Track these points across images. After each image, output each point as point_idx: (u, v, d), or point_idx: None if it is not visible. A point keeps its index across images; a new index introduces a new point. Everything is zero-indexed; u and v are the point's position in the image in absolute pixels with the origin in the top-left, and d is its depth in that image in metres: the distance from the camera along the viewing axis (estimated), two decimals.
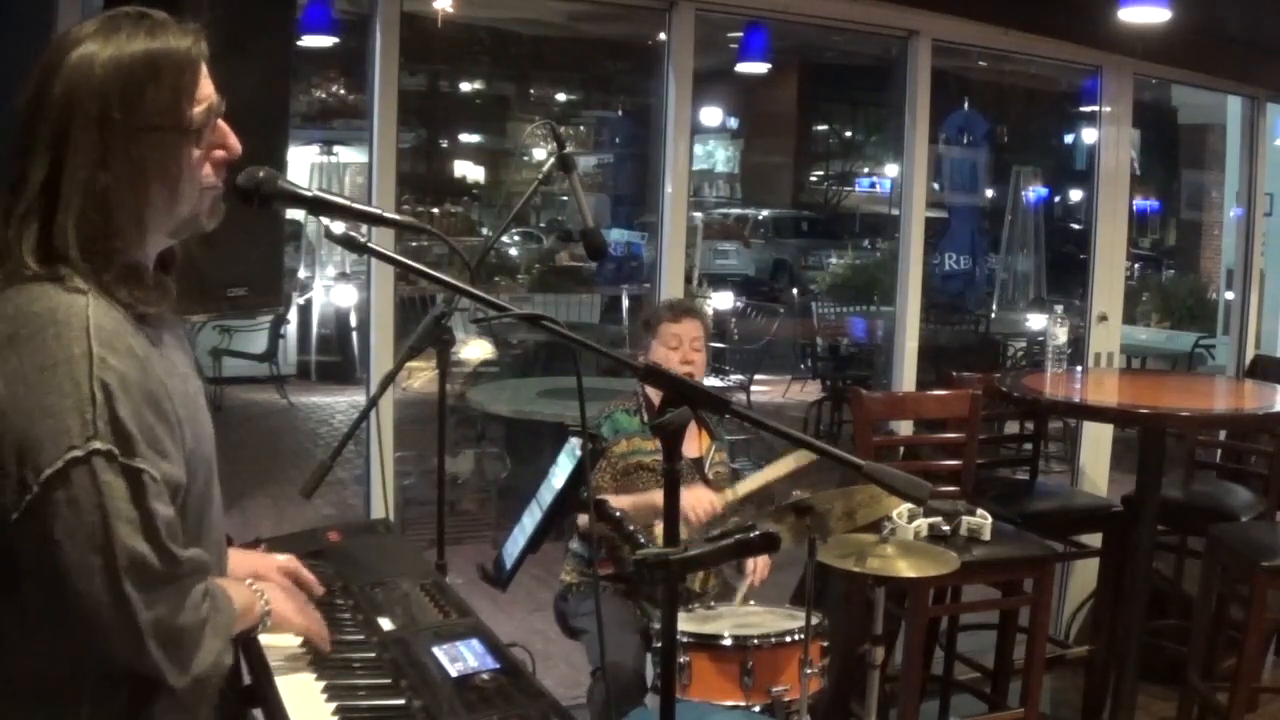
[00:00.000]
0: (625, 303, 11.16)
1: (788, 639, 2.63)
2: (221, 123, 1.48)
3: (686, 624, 2.67)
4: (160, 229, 1.45)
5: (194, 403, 1.49)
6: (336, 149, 12.23)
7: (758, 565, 3.06)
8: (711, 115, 18.76)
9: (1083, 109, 11.97)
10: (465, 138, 19.33)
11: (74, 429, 1.27)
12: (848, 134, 22.14)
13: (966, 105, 13.69)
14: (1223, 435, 4.59)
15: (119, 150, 1.36)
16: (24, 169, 1.36)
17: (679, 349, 3.13)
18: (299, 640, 1.81)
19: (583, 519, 3.05)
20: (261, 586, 1.67)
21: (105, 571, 1.28)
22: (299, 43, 4.46)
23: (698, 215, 15.64)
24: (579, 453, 2.09)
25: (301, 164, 11.76)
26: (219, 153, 1.48)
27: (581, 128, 19.18)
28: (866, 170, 21.12)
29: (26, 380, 1.29)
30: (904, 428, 4.25)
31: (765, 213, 18.43)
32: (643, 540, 2.23)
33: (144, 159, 1.38)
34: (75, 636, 1.34)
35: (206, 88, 1.45)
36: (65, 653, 1.36)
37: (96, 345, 1.30)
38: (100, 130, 1.34)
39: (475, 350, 7.89)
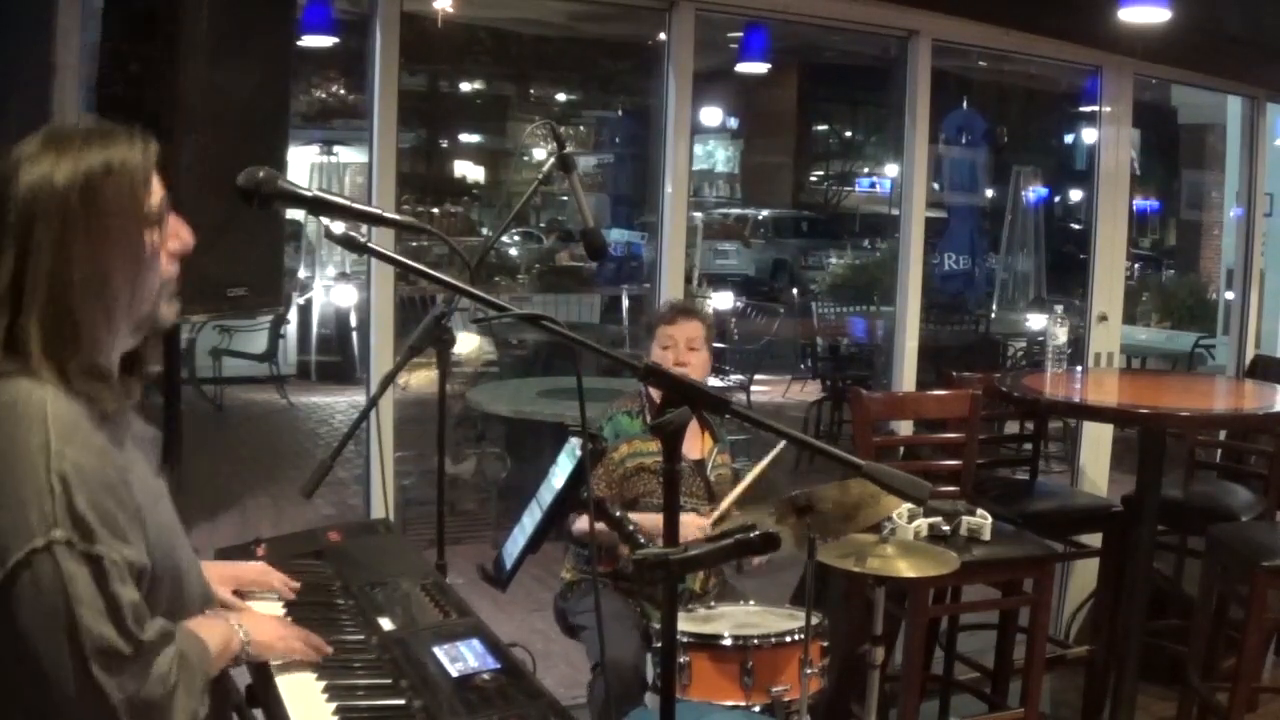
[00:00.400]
0: (625, 303, 11.16)
1: (788, 639, 2.63)
2: (173, 216, 1.51)
3: (686, 624, 2.67)
4: (124, 323, 1.47)
5: (156, 495, 1.52)
6: (336, 149, 12.23)
7: None
8: (711, 115, 18.76)
9: (1083, 109, 11.97)
10: (465, 138, 19.34)
11: (34, 520, 1.31)
12: (848, 134, 22.14)
13: (965, 105, 13.70)
14: (1223, 435, 4.59)
15: (81, 242, 1.39)
16: None
17: (671, 349, 3.13)
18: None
19: (576, 525, 3.04)
20: (239, 619, 1.69)
21: (73, 658, 1.31)
22: (299, 43, 4.45)
23: (698, 215, 15.64)
24: (579, 453, 2.09)
25: (301, 164, 11.76)
26: (174, 243, 1.52)
27: (581, 128, 19.19)
28: (866, 170, 21.12)
29: None
30: (904, 428, 4.25)
31: (765, 213, 18.43)
32: (642, 540, 2.23)
33: (106, 248, 1.41)
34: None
35: (157, 184, 1.48)
36: None
37: (54, 437, 1.33)
38: (62, 226, 1.38)
39: (475, 350, 7.89)
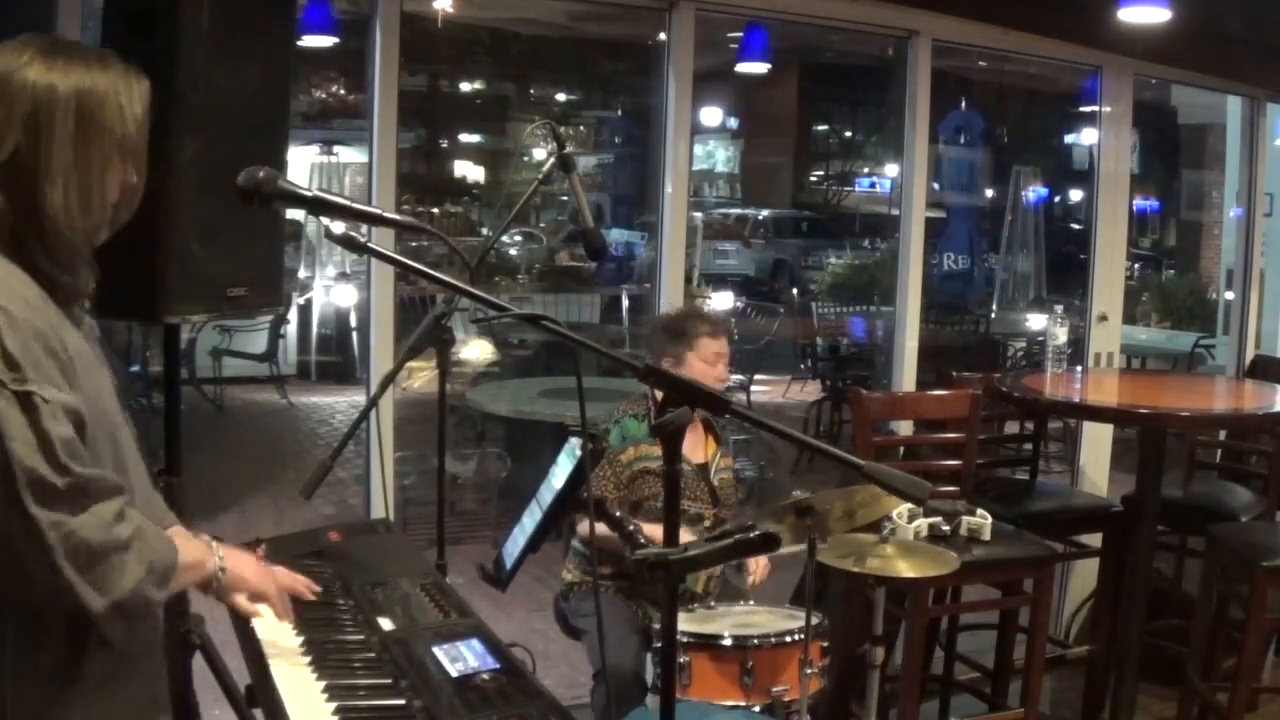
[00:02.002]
0: (625, 303, 11.17)
1: (788, 639, 2.63)
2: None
3: (686, 624, 2.68)
4: (80, 226, 1.51)
5: (93, 366, 1.52)
6: (336, 149, 12.23)
7: (757, 565, 3.06)
8: (711, 115, 18.76)
9: (1083, 109, 11.96)
10: (465, 138, 19.32)
11: None
12: (848, 134, 22.14)
13: (964, 105, 13.70)
14: (1223, 435, 4.59)
15: (70, 147, 1.46)
16: None
17: (716, 366, 3.12)
18: (299, 639, 1.82)
19: (583, 526, 3.05)
20: (220, 547, 1.69)
21: (6, 493, 1.32)
22: (299, 43, 4.44)
23: (698, 215, 15.64)
24: (579, 453, 2.09)
25: (301, 164, 11.76)
26: (133, 178, 1.57)
27: (581, 128, 19.17)
28: (866, 170, 21.13)
29: None
30: (904, 428, 4.25)
31: (765, 213, 18.44)
32: (642, 540, 2.23)
33: (87, 158, 1.48)
34: None
35: (143, 119, 1.57)
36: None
37: None
38: (58, 129, 1.45)
39: (476, 351, 7.89)
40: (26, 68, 1.46)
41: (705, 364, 3.10)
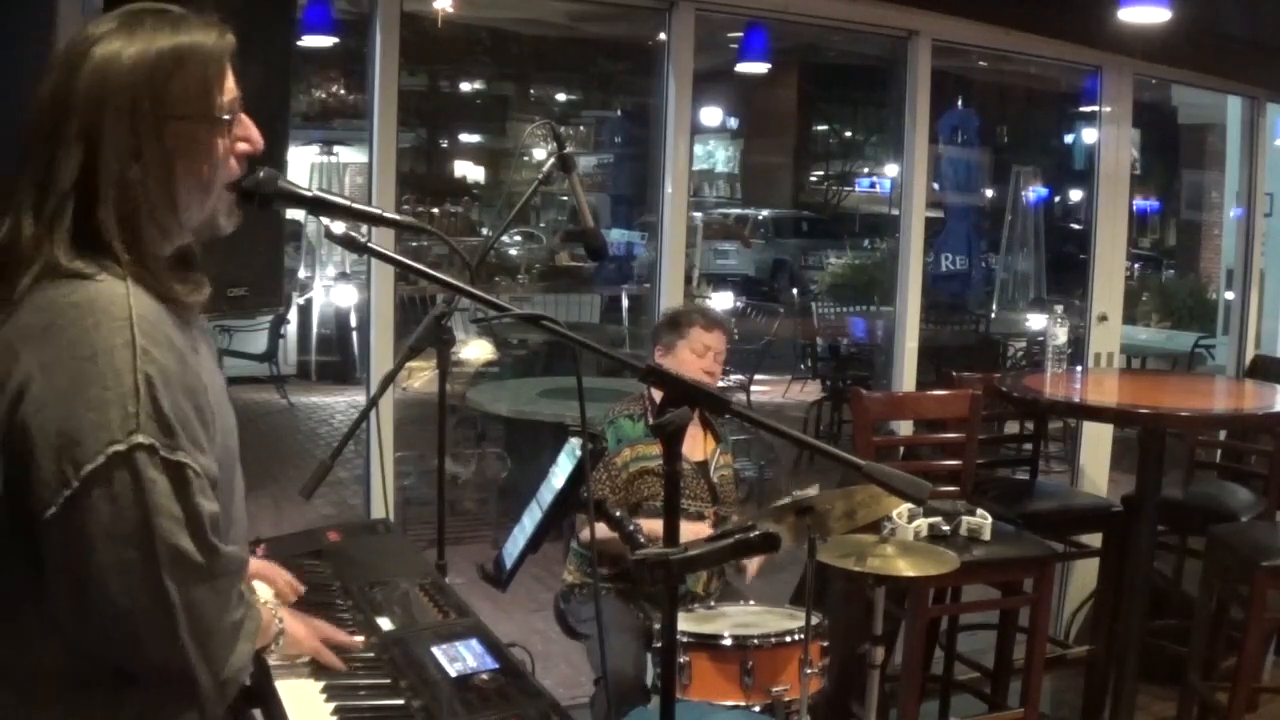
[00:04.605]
0: (625, 303, 11.17)
1: (788, 639, 2.63)
2: (244, 116, 1.45)
3: (687, 624, 2.68)
4: (189, 223, 1.41)
5: (222, 396, 1.46)
6: (336, 149, 12.24)
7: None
8: (711, 115, 18.76)
9: (1083, 109, 11.96)
10: (465, 138, 19.34)
11: (115, 422, 1.24)
12: (848, 134, 22.15)
13: (960, 104, 13.70)
14: (1223, 435, 4.58)
15: (151, 141, 1.33)
16: (51, 166, 1.32)
17: (704, 358, 3.12)
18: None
19: (583, 534, 3.06)
20: (275, 606, 1.71)
21: (144, 567, 1.25)
22: (299, 43, 4.45)
23: (698, 215, 15.65)
24: (579, 453, 2.08)
25: (301, 164, 11.76)
26: (243, 145, 1.44)
27: (581, 128, 19.19)
28: (866, 170, 21.13)
29: (65, 371, 1.25)
30: (904, 428, 4.25)
31: (765, 213, 18.45)
32: (642, 540, 2.23)
33: (174, 150, 1.35)
34: (98, 636, 1.29)
35: (230, 80, 1.42)
36: (85, 652, 1.32)
37: (140, 336, 1.27)
38: (131, 122, 1.32)
39: (476, 350, 7.89)
40: (90, 53, 1.32)
41: (694, 354, 3.11)
